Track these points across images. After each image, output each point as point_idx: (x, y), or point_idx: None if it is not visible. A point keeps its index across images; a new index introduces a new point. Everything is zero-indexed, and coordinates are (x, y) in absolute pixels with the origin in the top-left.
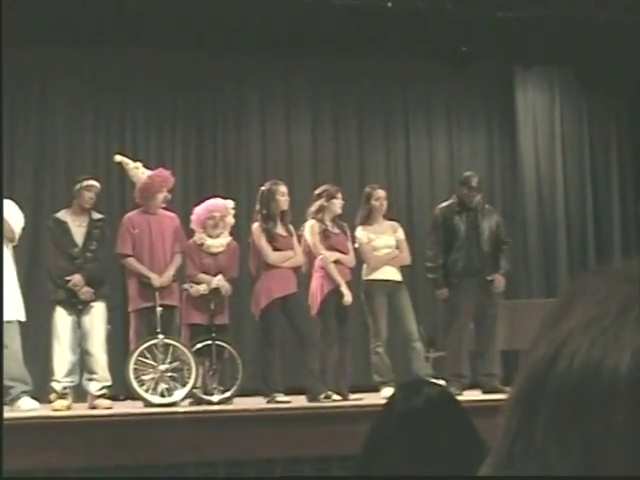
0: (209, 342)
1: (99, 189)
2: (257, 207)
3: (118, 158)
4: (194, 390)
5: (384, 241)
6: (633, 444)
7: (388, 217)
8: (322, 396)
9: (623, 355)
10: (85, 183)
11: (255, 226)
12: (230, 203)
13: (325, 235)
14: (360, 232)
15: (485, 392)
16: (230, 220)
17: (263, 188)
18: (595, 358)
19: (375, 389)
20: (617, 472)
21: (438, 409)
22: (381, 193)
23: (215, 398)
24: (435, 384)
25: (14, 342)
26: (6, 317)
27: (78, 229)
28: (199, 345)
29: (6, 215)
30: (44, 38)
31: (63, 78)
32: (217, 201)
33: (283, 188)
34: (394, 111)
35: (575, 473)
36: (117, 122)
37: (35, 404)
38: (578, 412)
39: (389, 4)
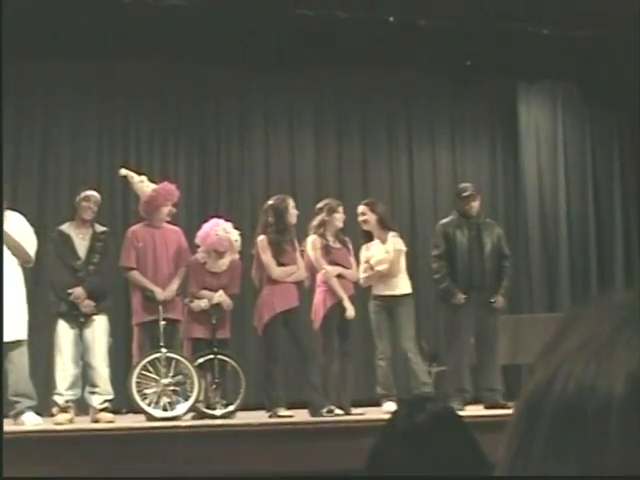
0: (211, 356)
1: (98, 199)
2: (268, 220)
3: (123, 172)
4: (197, 404)
5: (377, 256)
6: (628, 459)
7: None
8: (324, 410)
9: (616, 374)
10: (83, 194)
11: (260, 239)
12: (236, 235)
13: (327, 250)
14: (362, 253)
15: (487, 407)
16: (235, 249)
17: (272, 202)
18: (589, 377)
19: (378, 403)
20: None
21: (441, 425)
22: (359, 209)
23: (218, 412)
24: (438, 400)
25: (21, 358)
26: (17, 336)
27: (81, 242)
28: (201, 359)
29: (20, 237)
30: (48, 51)
31: (67, 91)
32: (224, 238)
33: (293, 202)
34: (397, 126)
35: None
36: (121, 136)
37: (38, 419)
38: (574, 429)
39: (391, 19)
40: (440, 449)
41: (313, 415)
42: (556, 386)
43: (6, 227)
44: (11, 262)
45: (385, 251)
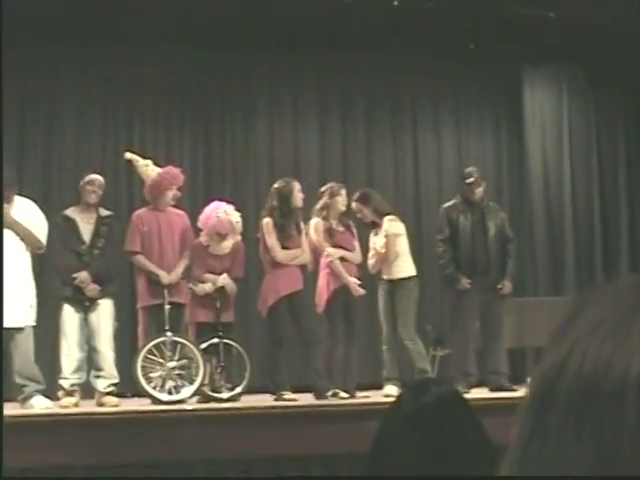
0: (216, 340)
1: (102, 183)
2: (273, 203)
3: (128, 155)
4: (202, 388)
5: (379, 242)
6: None
7: (395, 213)
8: (329, 394)
9: (634, 353)
10: (87, 178)
11: (266, 221)
12: (237, 217)
13: (330, 233)
14: (371, 239)
15: (492, 390)
16: (237, 231)
17: (278, 185)
18: (605, 357)
19: (382, 387)
20: (631, 467)
21: (446, 408)
22: (353, 206)
23: (223, 395)
24: (443, 383)
25: (27, 343)
26: (25, 322)
27: (86, 226)
28: (206, 343)
29: (30, 223)
30: (52, 36)
31: (71, 76)
32: (225, 220)
33: (299, 185)
34: (402, 110)
35: (590, 470)
36: (125, 120)
37: (48, 402)
38: (590, 409)
39: (395, 2)
40: (445, 431)
41: (318, 398)
42: (571, 365)
43: (15, 213)
44: (20, 248)
45: (383, 235)
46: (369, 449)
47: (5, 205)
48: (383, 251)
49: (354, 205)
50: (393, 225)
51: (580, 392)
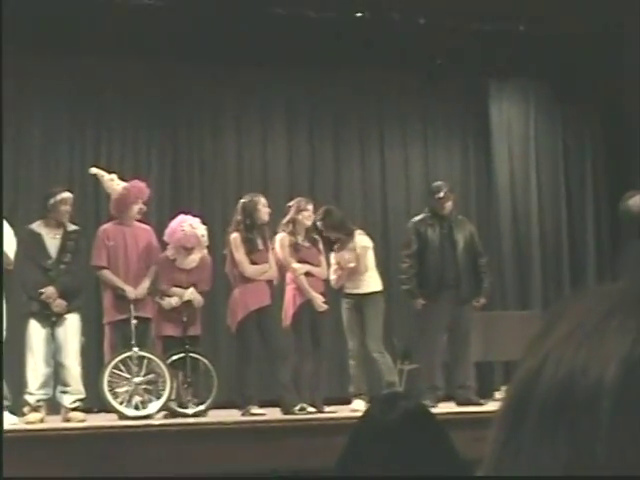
0: (183, 354)
1: (73, 201)
2: (237, 218)
3: (94, 170)
4: (169, 403)
5: (345, 256)
6: (618, 444)
7: (361, 228)
8: (297, 408)
9: (608, 358)
10: (59, 197)
11: (233, 237)
12: (202, 230)
13: (296, 248)
14: (332, 255)
15: (460, 404)
16: (203, 244)
17: (244, 200)
18: (580, 362)
19: (350, 401)
20: (604, 471)
21: (413, 422)
22: (318, 225)
23: (190, 410)
24: (410, 397)
25: None
26: None
27: (52, 241)
28: (173, 357)
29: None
30: (19, 48)
31: (38, 89)
32: (190, 233)
33: (264, 200)
34: (369, 124)
35: (563, 474)
36: (92, 134)
37: (13, 418)
38: (565, 415)
39: (362, 15)
40: (413, 446)
41: (285, 413)
42: (546, 372)
43: None
44: None
45: (352, 248)
46: (336, 463)
47: None
48: (351, 265)
49: (318, 223)
50: (363, 239)
51: (555, 398)
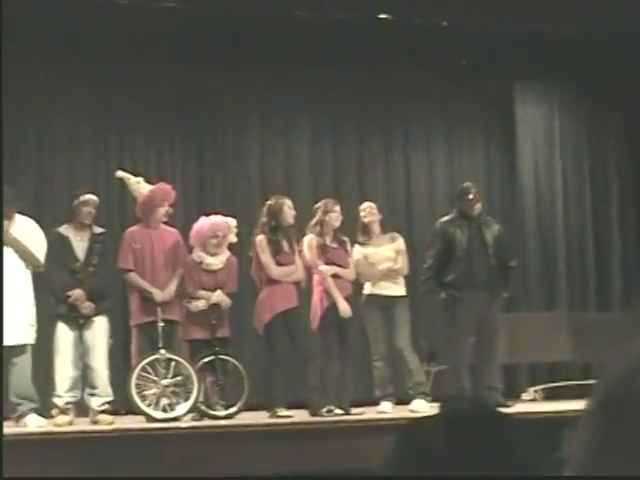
0: (213, 357)
1: (97, 203)
2: (263, 220)
3: (119, 174)
4: (197, 405)
5: (380, 254)
6: None
7: (386, 229)
8: (324, 410)
9: None
10: (82, 198)
11: (259, 239)
12: (233, 222)
13: (323, 249)
14: (356, 248)
15: None
16: (232, 238)
17: (270, 202)
18: None
19: (377, 403)
20: None
21: (488, 424)
22: (367, 205)
23: (220, 413)
24: (480, 399)
25: (25, 362)
26: (24, 340)
27: (80, 244)
28: (203, 360)
29: (29, 241)
30: (43, 52)
31: (62, 93)
32: (220, 220)
33: (289, 202)
34: (393, 126)
35: None
36: (116, 137)
37: (42, 421)
38: None
39: (387, 18)
40: (484, 448)
41: (313, 415)
42: None
43: (15, 231)
44: (19, 266)
45: (392, 250)
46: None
47: (5, 222)
48: (385, 265)
49: (369, 204)
50: (402, 243)
51: None
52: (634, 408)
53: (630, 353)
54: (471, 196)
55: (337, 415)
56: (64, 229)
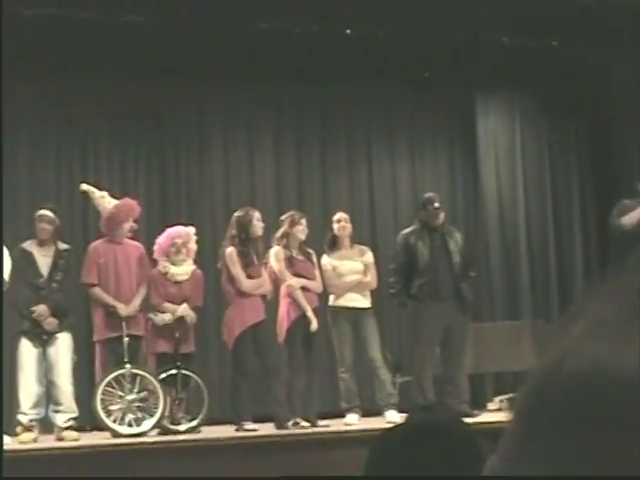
0: (174, 371)
1: (52, 218)
2: (232, 232)
3: (84, 187)
4: (162, 420)
5: (349, 266)
6: (634, 442)
7: (354, 242)
8: (290, 423)
9: (632, 355)
10: (37, 214)
11: (229, 251)
12: (191, 229)
13: (290, 262)
14: (324, 259)
15: None
16: (193, 247)
17: (238, 214)
18: (601, 358)
19: (343, 415)
20: (627, 470)
21: (448, 433)
22: (342, 216)
23: (182, 427)
24: (445, 409)
25: None
26: None
27: (44, 259)
28: (164, 374)
29: None
30: (7, 64)
31: (26, 107)
32: (178, 228)
33: (258, 214)
34: (356, 137)
35: (586, 472)
36: (80, 152)
37: (7, 439)
38: (584, 410)
39: (348, 31)
40: (445, 457)
41: (279, 428)
42: (567, 366)
43: None
44: None
45: (361, 263)
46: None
47: None
48: (354, 277)
49: (342, 215)
50: (368, 255)
51: (574, 394)
52: (557, 397)
53: (555, 347)
54: (434, 206)
55: (304, 427)
56: (28, 245)
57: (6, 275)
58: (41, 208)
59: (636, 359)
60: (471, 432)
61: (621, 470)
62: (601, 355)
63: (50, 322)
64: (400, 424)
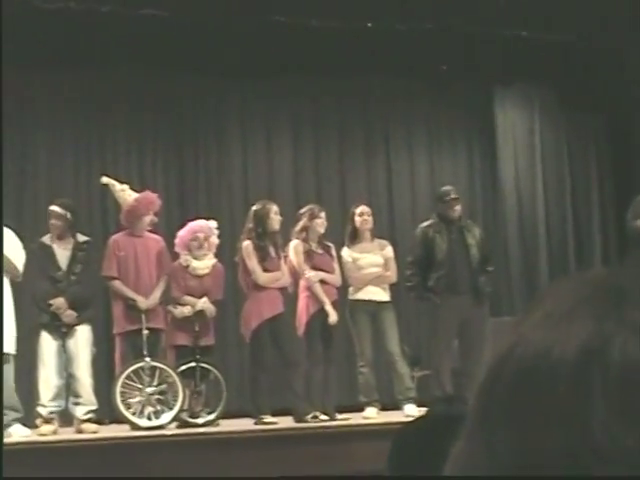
0: (193, 364)
1: (61, 214)
2: (249, 225)
3: (105, 180)
4: (181, 413)
5: (369, 260)
6: (573, 426)
7: (375, 236)
8: (309, 416)
9: (570, 343)
10: (48, 210)
11: (245, 244)
12: (213, 223)
13: (309, 255)
14: (345, 251)
15: None
16: (214, 240)
17: (256, 208)
18: (545, 345)
19: (362, 409)
20: (555, 456)
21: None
22: (364, 209)
23: (201, 420)
24: (465, 400)
25: (9, 372)
26: (5, 350)
27: (63, 252)
28: (184, 367)
29: (9, 251)
30: (25, 58)
31: (44, 100)
32: (200, 222)
33: (276, 208)
34: (375, 130)
35: (516, 456)
36: (98, 145)
37: (27, 431)
38: (528, 399)
39: (368, 24)
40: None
41: (298, 421)
42: (514, 356)
43: None
44: None
45: (381, 256)
46: (388, 466)
47: None
48: (373, 270)
49: (365, 209)
50: (388, 249)
51: (519, 382)
52: (502, 392)
53: (512, 333)
54: (451, 199)
55: (322, 421)
56: (47, 238)
57: (22, 268)
58: (53, 204)
59: (573, 345)
60: None
61: (551, 453)
62: (545, 342)
63: (69, 314)
64: (421, 416)
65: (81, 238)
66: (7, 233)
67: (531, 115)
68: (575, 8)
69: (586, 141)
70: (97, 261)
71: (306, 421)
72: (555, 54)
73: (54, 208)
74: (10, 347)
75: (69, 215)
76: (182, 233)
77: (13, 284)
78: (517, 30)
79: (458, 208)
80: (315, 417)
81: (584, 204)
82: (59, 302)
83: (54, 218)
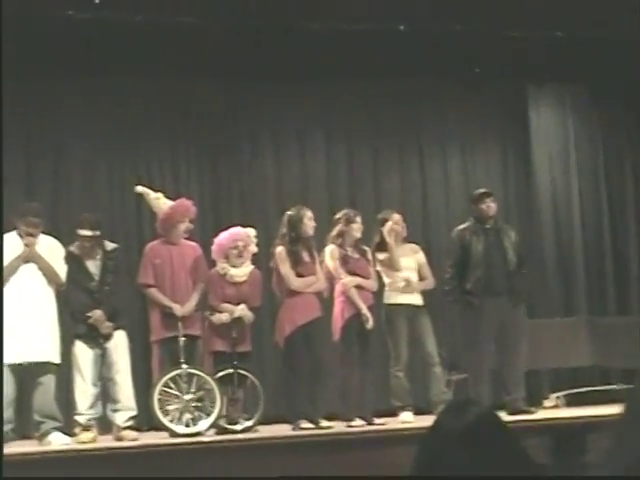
0: (231, 370)
1: (91, 236)
2: (283, 231)
3: (139, 189)
4: (219, 419)
5: (405, 263)
6: None
7: (407, 240)
8: (351, 422)
9: None
10: (79, 233)
11: (279, 250)
12: (252, 231)
13: (345, 260)
14: (380, 256)
15: (510, 414)
16: (253, 249)
17: (290, 213)
18: None
19: (394, 413)
20: None
21: (484, 429)
22: (396, 217)
23: (239, 427)
24: (481, 404)
25: (49, 380)
26: (48, 358)
27: (93, 262)
28: (221, 373)
29: (53, 260)
30: (59, 67)
31: (77, 109)
32: (239, 230)
33: (310, 213)
34: (408, 133)
35: None
36: (132, 153)
37: (66, 439)
38: None
39: (401, 27)
40: (483, 454)
41: (337, 426)
42: None
43: (40, 250)
44: (43, 284)
45: (414, 261)
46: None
47: (31, 239)
48: (409, 274)
49: (400, 217)
50: (421, 253)
51: None
52: None
53: None
54: (486, 202)
55: (359, 426)
56: (76, 248)
57: (63, 277)
58: (80, 227)
59: None
60: (506, 428)
61: None
62: None
63: (107, 326)
64: (433, 424)
65: (109, 246)
66: (51, 241)
67: (564, 114)
68: (607, 6)
69: (621, 139)
70: (130, 267)
71: (349, 426)
72: (587, 52)
73: (84, 233)
74: (55, 357)
75: (98, 232)
76: (222, 240)
77: (56, 294)
78: (550, 29)
79: (492, 205)
80: (352, 422)
81: (620, 203)
82: (98, 315)
83: (86, 241)
